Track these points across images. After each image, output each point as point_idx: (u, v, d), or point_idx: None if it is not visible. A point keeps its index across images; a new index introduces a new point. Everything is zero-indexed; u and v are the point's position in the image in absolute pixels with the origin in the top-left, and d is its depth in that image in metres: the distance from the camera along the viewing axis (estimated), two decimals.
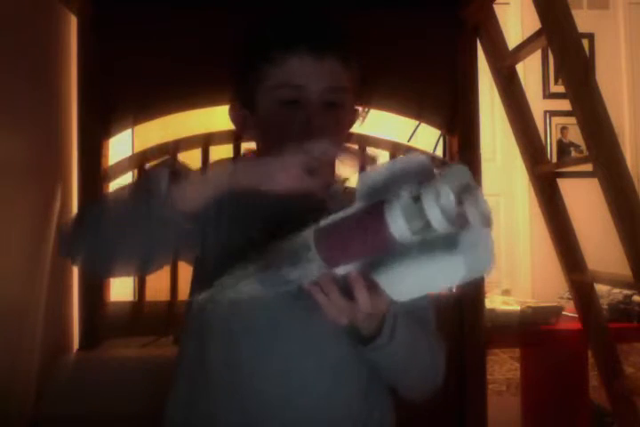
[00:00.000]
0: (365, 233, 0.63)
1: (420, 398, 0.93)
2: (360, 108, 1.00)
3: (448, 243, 0.62)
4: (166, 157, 0.74)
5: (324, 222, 0.67)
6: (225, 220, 0.92)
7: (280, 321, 0.88)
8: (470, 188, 0.63)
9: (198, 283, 0.95)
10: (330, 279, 0.69)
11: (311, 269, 0.68)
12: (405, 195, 0.61)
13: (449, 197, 0.60)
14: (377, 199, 0.64)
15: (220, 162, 0.87)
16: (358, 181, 0.66)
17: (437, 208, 0.59)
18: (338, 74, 0.90)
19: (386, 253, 0.64)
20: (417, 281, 0.65)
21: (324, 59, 0.88)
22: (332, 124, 0.89)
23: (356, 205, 0.66)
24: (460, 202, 0.61)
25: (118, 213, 0.78)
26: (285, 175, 0.73)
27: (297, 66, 0.88)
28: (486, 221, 0.62)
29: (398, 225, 0.61)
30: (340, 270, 0.68)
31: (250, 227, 0.89)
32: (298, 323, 0.88)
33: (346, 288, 0.70)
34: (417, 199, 0.60)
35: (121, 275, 0.93)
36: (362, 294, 0.69)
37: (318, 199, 0.78)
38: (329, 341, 0.88)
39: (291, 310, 0.86)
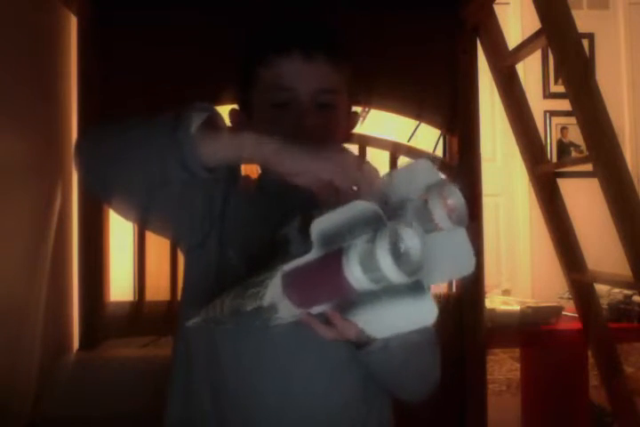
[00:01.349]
0: (326, 283, 0.61)
1: (416, 400, 0.93)
2: (360, 110, 1.00)
3: (415, 286, 0.59)
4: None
5: (288, 267, 0.64)
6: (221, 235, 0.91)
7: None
8: (438, 186, 0.58)
9: (188, 301, 0.95)
10: (308, 314, 0.69)
11: (285, 312, 0.67)
12: (360, 244, 0.57)
13: (411, 240, 0.55)
14: (334, 246, 0.60)
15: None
16: (312, 227, 0.62)
17: (390, 261, 0.54)
18: (329, 76, 0.91)
19: (352, 297, 0.62)
20: (389, 323, 0.62)
21: (315, 61, 0.89)
22: (324, 126, 0.89)
23: (314, 252, 0.63)
24: (426, 202, 0.58)
25: (134, 135, 0.75)
26: (334, 175, 0.68)
27: (288, 69, 0.89)
28: (460, 220, 0.58)
29: (356, 277, 0.57)
30: (314, 311, 0.66)
31: (231, 248, 0.89)
32: (296, 324, 0.88)
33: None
34: (373, 247, 0.56)
35: (122, 202, 0.82)
36: (343, 326, 0.69)
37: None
38: (327, 341, 0.88)
39: None
